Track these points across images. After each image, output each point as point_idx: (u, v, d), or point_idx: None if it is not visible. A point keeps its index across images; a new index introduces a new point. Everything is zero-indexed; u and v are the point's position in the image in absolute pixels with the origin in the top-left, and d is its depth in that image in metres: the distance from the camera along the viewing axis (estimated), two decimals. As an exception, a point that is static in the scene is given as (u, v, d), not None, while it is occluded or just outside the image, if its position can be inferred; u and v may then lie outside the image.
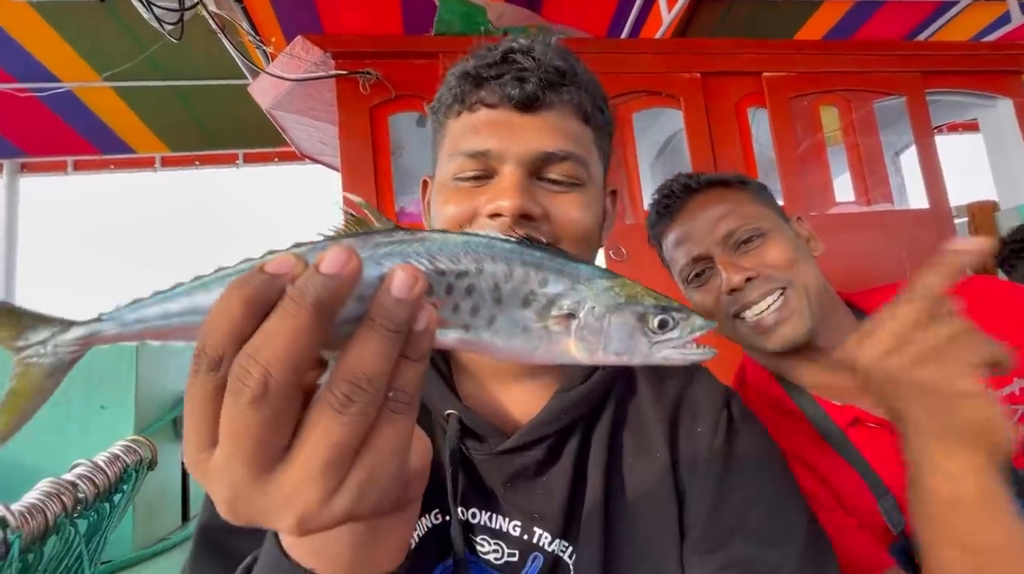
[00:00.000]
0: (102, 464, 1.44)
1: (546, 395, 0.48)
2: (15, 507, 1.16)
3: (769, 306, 0.69)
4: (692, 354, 0.27)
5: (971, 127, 2.64)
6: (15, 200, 2.95)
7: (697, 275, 0.75)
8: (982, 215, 2.09)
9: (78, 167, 3.02)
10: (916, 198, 1.86)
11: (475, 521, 0.46)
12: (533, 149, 0.45)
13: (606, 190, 0.52)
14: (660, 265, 1.57)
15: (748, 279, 0.69)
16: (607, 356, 0.26)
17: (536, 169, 0.46)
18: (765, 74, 1.70)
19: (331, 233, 0.25)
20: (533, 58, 0.46)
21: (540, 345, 0.25)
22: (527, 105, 0.45)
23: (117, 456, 1.50)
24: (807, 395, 0.73)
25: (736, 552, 0.43)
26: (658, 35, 1.93)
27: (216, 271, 0.25)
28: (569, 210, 0.46)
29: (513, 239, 0.26)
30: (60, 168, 3.01)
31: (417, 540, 0.45)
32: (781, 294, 0.69)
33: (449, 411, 0.46)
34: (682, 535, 0.45)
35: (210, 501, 0.43)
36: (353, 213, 0.26)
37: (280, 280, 0.21)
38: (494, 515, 0.46)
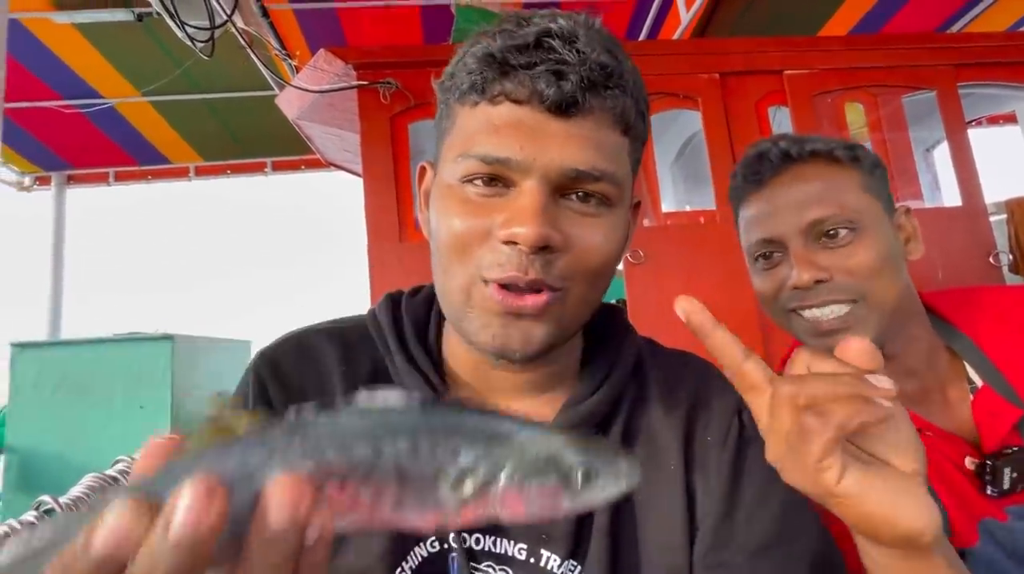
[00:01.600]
0: (141, 461, 1.51)
1: (552, 409, 0.45)
2: (63, 500, 1.24)
3: (830, 314, 0.62)
4: (615, 490, 0.25)
5: (1012, 119, 2.53)
6: (63, 211, 3.12)
7: (765, 256, 0.67)
8: (1021, 211, 2.01)
9: (119, 178, 3.18)
10: (950, 195, 1.79)
11: (478, 547, 0.42)
12: (563, 165, 0.38)
13: (631, 202, 0.46)
14: (679, 270, 1.56)
15: (819, 281, 0.62)
16: (531, 514, 0.24)
17: (561, 187, 0.39)
18: (786, 72, 1.67)
19: (188, 443, 0.21)
20: (577, 50, 0.37)
21: (458, 515, 0.23)
22: (562, 108, 0.37)
23: (155, 453, 1.57)
24: None
25: (742, 568, 0.42)
26: (676, 35, 1.92)
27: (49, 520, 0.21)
28: (593, 238, 0.40)
29: (415, 406, 0.23)
30: (102, 179, 3.17)
31: (411, 572, 0.42)
32: (849, 306, 0.62)
33: None
34: (692, 545, 0.43)
35: None
36: (215, 416, 0.22)
37: (120, 551, 0.18)
38: (498, 539, 0.42)
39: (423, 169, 0.49)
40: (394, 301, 0.50)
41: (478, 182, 0.40)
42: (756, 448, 0.46)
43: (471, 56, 0.40)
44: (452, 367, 0.47)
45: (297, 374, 0.45)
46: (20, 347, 2.23)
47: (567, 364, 0.48)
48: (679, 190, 2.23)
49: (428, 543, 0.42)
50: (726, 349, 0.34)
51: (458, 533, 0.41)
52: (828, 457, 0.30)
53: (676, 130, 2.05)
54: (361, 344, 0.47)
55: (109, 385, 2.24)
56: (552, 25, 0.38)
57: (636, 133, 0.43)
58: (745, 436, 0.46)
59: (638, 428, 0.46)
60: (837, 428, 0.29)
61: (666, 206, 1.74)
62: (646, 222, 1.63)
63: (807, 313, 0.64)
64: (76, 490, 1.29)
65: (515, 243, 0.37)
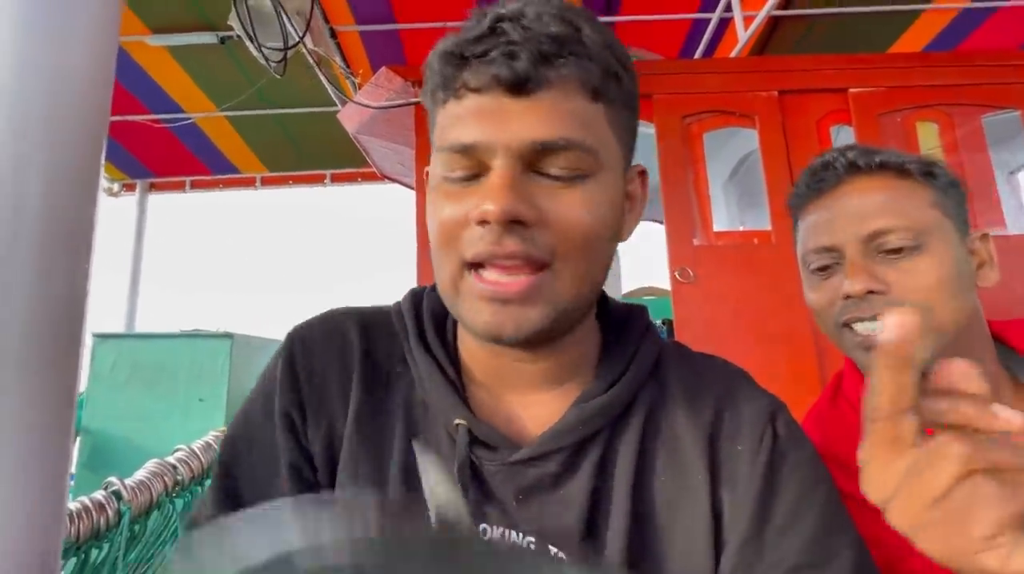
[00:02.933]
0: (198, 451, 1.61)
1: (564, 405, 0.44)
2: (128, 482, 1.33)
3: (881, 327, 0.61)
4: None
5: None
6: (144, 215, 3.41)
7: (821, 268, 0.64)
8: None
9: (194, 186, 3.44)
10: (1035, 222, 1.65)
11: (486, 537, 0.42)
12: (525, 139, 0.38)
13: (631, 171, 0.45)
14: (730, 291, 1.51)
15: (871, 291, 0.59)
16: None
17: (532, 162, 0.39)
18: (851, 90, 1.61)
19: None
20: (523, 26, 0.38)
21: None
22: (518, 87, 0.38)
23: (210, 445, 1.67)
24: None
25: None
26: (734, 53, 1.89)
27: None
28: (571, 210, 0.39)
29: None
30: (179, 187, 3.44)
31: None
32: None
33: (458, 421, 0.43)
34: (717, 561, 0.41)
35: (227, 443, 0.46)
36: None
37: None
38: (507, 530, 0.42)
39: (427, 174, 0.49)
40: (416, 294, 0.51)
41: (457, 172, 0.40)
42: (792, 459, 0.43)
43: (433, 58, 0.41)
44: (466, 361, 0.48)
45: (322, 349, 0.47)
46: (101, 337, 2.43)
47: (581, 356, 0.47)
48: (732, 209, 2.16)
49: None
50: (902, 388, 0.28)
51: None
52: (1003, 534, 0.25)
53: (732, 147, 2.00)
54: (383, 330, 0.49)
55: (174, 377, 2.40)
56: (503, 11, 0.39)
57: (611, 96, 0.41)
58: (779, 446, 0.43)
59: (659, 429, 0.45)
60: None
61: (718, 225, 1.69)
62: (695, 240, 1.59)
63: (858, 326, 0.61)
64: (140, 474, 1.38)
65: (487, 222, 0.37)
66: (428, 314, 0.49)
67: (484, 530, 0.42)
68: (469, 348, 0.47)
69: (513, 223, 0.37)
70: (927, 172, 0.62)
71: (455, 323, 0.49)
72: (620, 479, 0.42)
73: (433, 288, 0.51)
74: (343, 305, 0.52)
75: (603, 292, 0.50)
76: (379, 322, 0.49)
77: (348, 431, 0.44)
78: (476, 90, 0.39)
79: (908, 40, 2.17)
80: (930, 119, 1.66)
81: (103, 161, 0.45)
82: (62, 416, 0.41)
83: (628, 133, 0.45)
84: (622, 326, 0.49)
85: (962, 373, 0.29)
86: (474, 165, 0.39)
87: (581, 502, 0.42)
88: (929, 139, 1.68)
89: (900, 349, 0.27)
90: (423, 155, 1.62)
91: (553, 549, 0.41)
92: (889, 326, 0.28)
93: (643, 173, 0.47)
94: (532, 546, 0.41)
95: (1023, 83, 1.60)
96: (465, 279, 0.40)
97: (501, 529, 0.42)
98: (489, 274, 0.39)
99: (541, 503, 0.42)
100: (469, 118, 0.39)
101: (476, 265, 0.39)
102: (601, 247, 0.42)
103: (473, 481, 0.42)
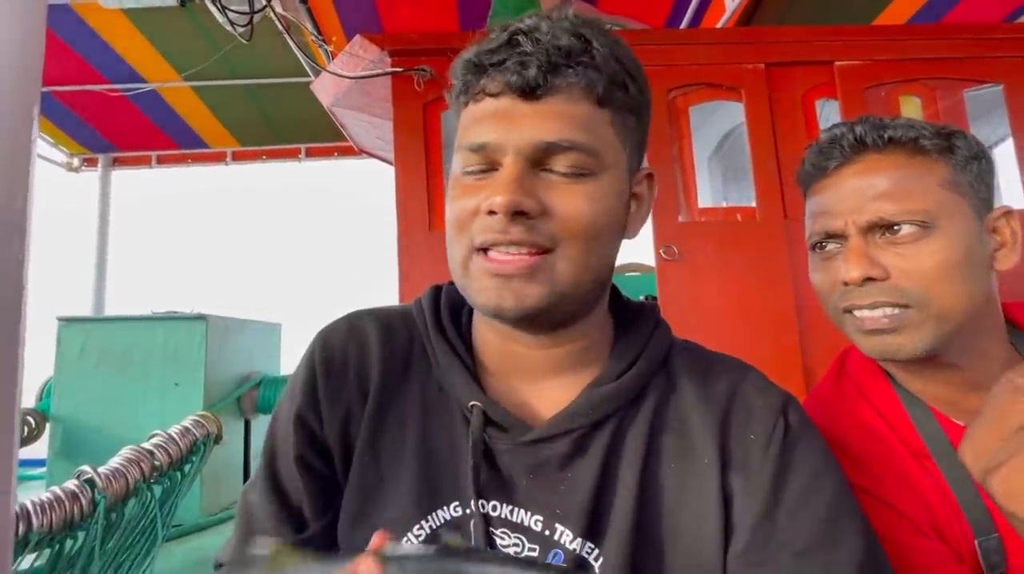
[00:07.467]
0: (175, 436, 1.57)
1: (575, 391, 0.47)
2: (102, 470, 1.28)
3: (880, 314, 0.58)
4: None
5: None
6: (108, 191, 3.25)
7: (824, 250, 0.63)
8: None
9: (161, 161, 3.29)
10: (1012, 195, 1.68)
11: (495, 513, 0.45)
12: (532, 140, 0.42)
13: (639, 173, 0.49)
14: (714, 268, 1.51)
15: (870, 279, 0.58)
16: None
17: (539, 160, 0.43)
18: (837, 63, 1.59)
19: None
20: (535, 39, 0.42)
21: None
22: (528, 92, 0.42)
23: (188, 429, 1.62)
24: (922, 405, 0.62)
25: (785, 567, 0.42)
26: (720, 24, 1.85)
27: None
28: (572, 204, 0.43)
29: (432, 552, 0.26)
30: (145, 162, 3.28)
31: (430, 531, 0.45)
32: (901, 310, 0.57)
33: (473, 402, 0.46)
34: (727, 545, 0.43)
35: (267, 433, 0.51)
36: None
37: None
38: (515, 508, 0.45)
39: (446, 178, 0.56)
40: (436, 289, 0.55)
41: (472, 168, 0.45)
42: (803, 446, 0.45)
43: (457, 65, 0.47)
44: (479, 349, 0.51)
45: (341, 347, 0.51)
46: (66, 322, 2.34)
47: (592, 346, 0.49)
48: (717, 185, 2.16)
49: (451, 507, 0.46)
50: None
51: (477, 498, 0.44)
52: None
53: (716, 122, 1.98)
54: (402, 324, 0.53)
55: (146, 361, 2.33)
56: (521, 25, 0.44)
57: (617, 103, 0.45)
58: (791, 436, 0.46)
59: (668, 417, 0.47)
60: None
61: (703, 201, 1.68)
62: (680, 217, 1.58)
63: (857, 313, 0.60)
64: (115, 461, 1.34)
65: (495, 212, 0.42)
66: (446, 306, 0.53)
67: (495, 507, 0.45)
68: (483, 336, 0.51)
69: (517, 214, 0.42)
70: (946, 147, 0.58)
71: (470, 315, 0.53)
72: (628, 464, 0.45)
73: (451, 283, 0.55)
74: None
75: (616, 288, 0.53)
76: (398, 317, 0.54)
77: (367, 414, 0.48)
78: (492, 95, 0.44)
79: (892, 12, 2.15)
80: (913, 93, 1.66)
81: (36, 126, 0.40)
82: (3, 403, 0.38)
83: (635, 137, 0.48)
84: (633, 320, 0.52)
85: None
86: (488, 162, 0.44)
87: (589, 484, 0.44)
88: (912, 114, 1.68)
89: None
90: (401, 127, 1.56)
91: (560, 527, 0.44)
92: None
93: (651, 175, 0.51)
94: (538, 523, 0.44)
95: (1006, 56, 1.60)
96: (473, 260, 0.44)
97: (510, 506, 0.45)
98: (494, 255, 0.43)
99: (550, 483, 0.45)
100: (484, 120, 0.44)
101: (484, 250, 0.44)
102: (602, 239, 0.45)
103: (485, 460, 0.46)
